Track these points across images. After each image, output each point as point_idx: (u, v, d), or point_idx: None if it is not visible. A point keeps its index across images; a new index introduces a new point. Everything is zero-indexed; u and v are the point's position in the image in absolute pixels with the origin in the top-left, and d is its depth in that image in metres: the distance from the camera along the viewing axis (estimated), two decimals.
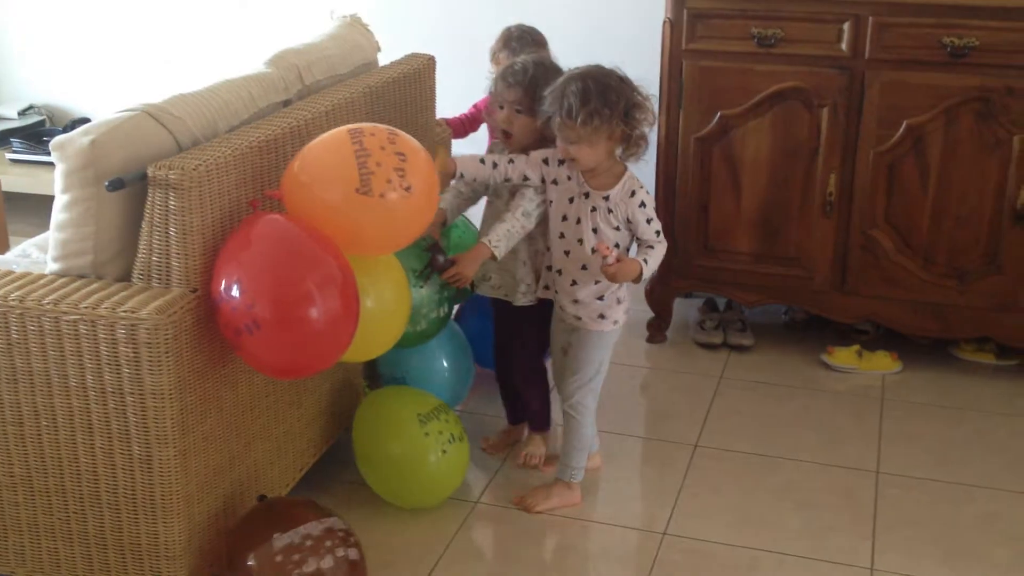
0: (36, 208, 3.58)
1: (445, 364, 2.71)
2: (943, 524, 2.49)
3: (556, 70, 2.44)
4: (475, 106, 3.27)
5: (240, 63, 2.40)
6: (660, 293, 3.32)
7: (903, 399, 3.06)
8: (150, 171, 1.92)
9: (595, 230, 2.35)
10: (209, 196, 1.96)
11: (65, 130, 2.85)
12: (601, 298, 2.40)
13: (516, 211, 2.40)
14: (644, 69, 2.85)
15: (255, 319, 1.86)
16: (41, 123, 4.50)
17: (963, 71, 2.93)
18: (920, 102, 2.98)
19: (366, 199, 1.95)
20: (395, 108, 2.66)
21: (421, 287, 2.41)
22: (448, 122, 3.18)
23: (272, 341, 1.89)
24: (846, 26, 2.99)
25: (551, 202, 2.40)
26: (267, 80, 2.35)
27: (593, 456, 2.65)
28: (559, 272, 2.42)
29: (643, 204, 2.34)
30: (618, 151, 2.34)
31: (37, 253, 2.52)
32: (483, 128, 3.24)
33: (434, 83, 2.91)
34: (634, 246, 2.43)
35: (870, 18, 2.96)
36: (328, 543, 2.02)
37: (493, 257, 2.38)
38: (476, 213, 2.67)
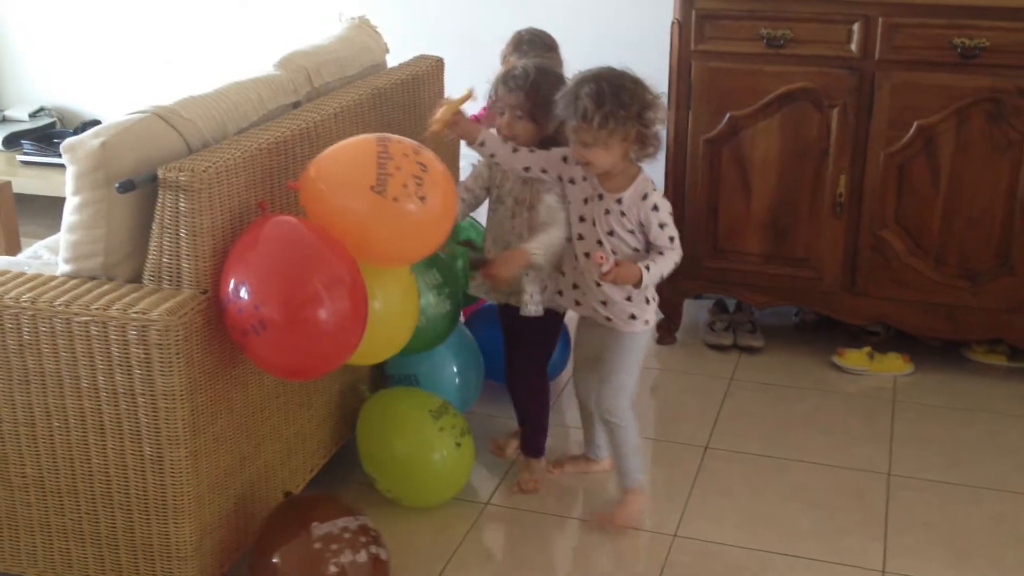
0: (47, 210, 3.59)
1: (456, 368, 2.70)
2: (954, 526, 2.48)
3: (557, 75, 2.43)
4: (483, 108, 3.27)
5: (242, 63, 2.41)
6: (670, 294, 3.31)
7: (914, 401, 3.05)
8: (160, 173, 1.93)
9: (611, 233, 2.32)
10: (219, 198, 1.97)
11: (76, 132, 2.85)
12: (629, 298, 2.35)
13: (558, 225, 2.35)
14: (652, 70, 2.85)
15: (261, 320, 1.86)
16: (52, 125, 4.51)
17: (974, 72, 2.92)
18: (931, 103, 2.97)
19: (379, 199, 1.95)
20: (404, 110, 2.66)
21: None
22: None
23: (279, 342, 1.90)
24: (856, 27, 2.98)
25: (569, 202, 2.38)
26: (276, 82, 2.36)
27: (603, 460, 2.65)
28: (583, 273, 2.38)
29: (656, 207, 2.29)
30: (632, 153, 2.31)
31: (48, 255, 2.53)
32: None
33: (443, 85, 2.92)
34: None
35: (880, 19, 2.96)
36: (363, 539, 2.06)
37: (531, 265, 2.32)
38: (479, 215, 2.67)
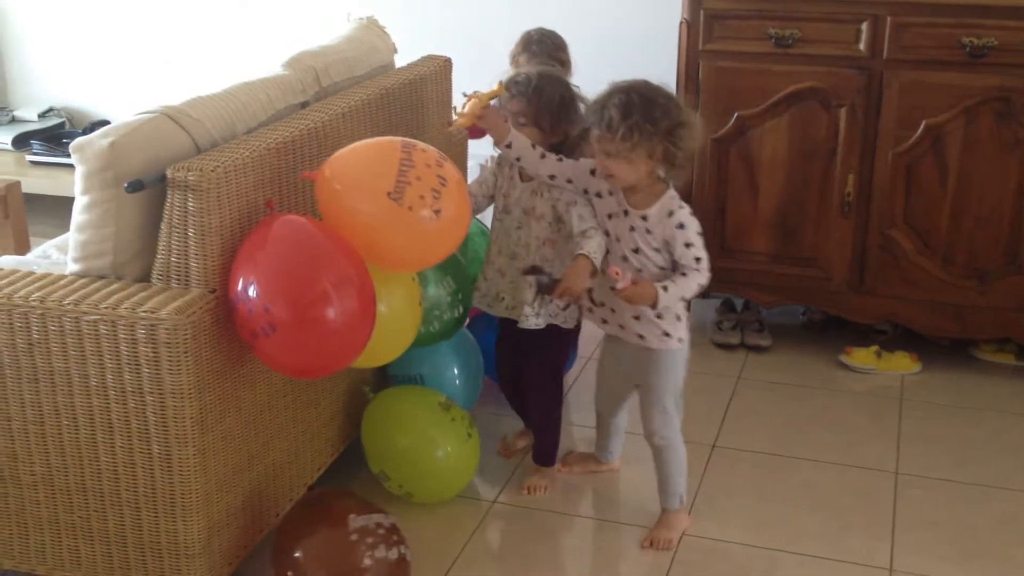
0: (56, 210, 3.61)
1: (458, 369, 2.69)
2: (962, 525, 2.47)
3: (562, 80, 2.39)
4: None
5: (245, 63, 2.42)
6: None
7: (922, 400, 3.05)
8: (169, 173, 1.94)
9: (636, 250, 2.24)
10: (227, 197, 1.97)
11: (85, 132, 2.86)
12: (660, 316, 2.26)
13: (598, 230, 2.27)
14: (661, 70, 2.85)
15: (271, 322, 1.87)
16: (61, 125, 4.54)
17: (982, 71, 2.92)
18: (939, 102, 2.96)
19: (394, 206, 1.96)
20: (412, 110, 2.67)
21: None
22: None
23: (288, 342, 1.90)
24: (864, 26, 2.98)
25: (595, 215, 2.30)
26: (284, 82, 2.36)
27: (613, 462, 2.64)
28: (612, 289, 2.23)
29: (682, 225, 2.20)
30: (660, 171, 2.21)
31: (57, 254, 2.54)
32: None
33: (451, 85, 2.92)
34: None
35: (888, 18, 2.95)
36: (395, 537, 2.09)
37: (594, 271, 2.24)
38: (485, 218, 2.66)
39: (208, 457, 1.99)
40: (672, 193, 2.24)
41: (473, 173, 3.95)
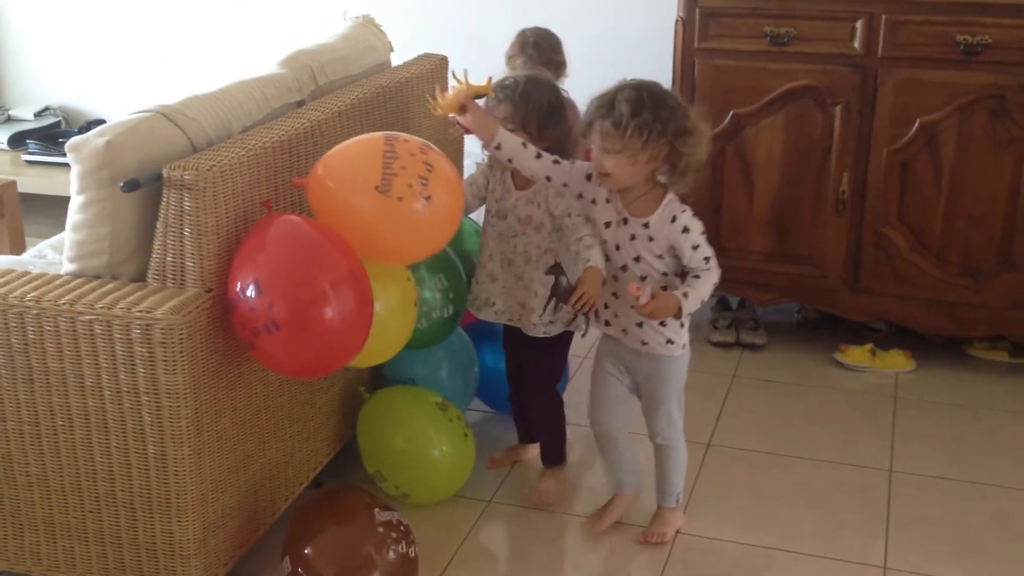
0: (52, 209, 3.60)
1: (453, 370, 2.68)
2: (956, 522, 2.48)
3: (549, 85, 2.36)
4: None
5: (243, 63, 2.41)
6: None
7: (916, 397, 3.06)
8: (165, 172, 1.94)
9: (637, 259, 2.19)
10: (223, 196, 1.97)
11: (80, 131, 2.86)
12: (664, 323, 2.21)
13: (596, 238, 2.21)
14: (656, 68, 2.85)
15: (274, 320, 1.87)
16: (56, 125, 4.53)
17: (977, 69, 2.92)
18: (933, 100, 2.97)
19: (383, 199, 1.96)
20: (408, 108, 2.67)
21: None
22: (459, 122, 3.17)
23: (289, 341, 1.90)
24: (859, 24, 2.98)
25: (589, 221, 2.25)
26: (281, 81, 2.36)
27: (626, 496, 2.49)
28: (614, 295, 2.24)
29: (687, 229, 2.15)
30: (662, 176, 2.16)
31: (53, 254, 2.53)
32: None
33: (447, 83, 2.92)
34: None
35: (883, 16, 2.96)
36: (411, 536, 2.12)
37: (604, 280, 2.17)
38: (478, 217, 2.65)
39: (203, 457, 1.99)
40: (671, 196, 2.18)
41: (469, 171, 3.93)
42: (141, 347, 1.88)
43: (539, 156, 2.22)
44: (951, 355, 3.26)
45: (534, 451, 2.68)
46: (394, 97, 2.59)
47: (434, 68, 2.84)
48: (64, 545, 2.07)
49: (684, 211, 2.17)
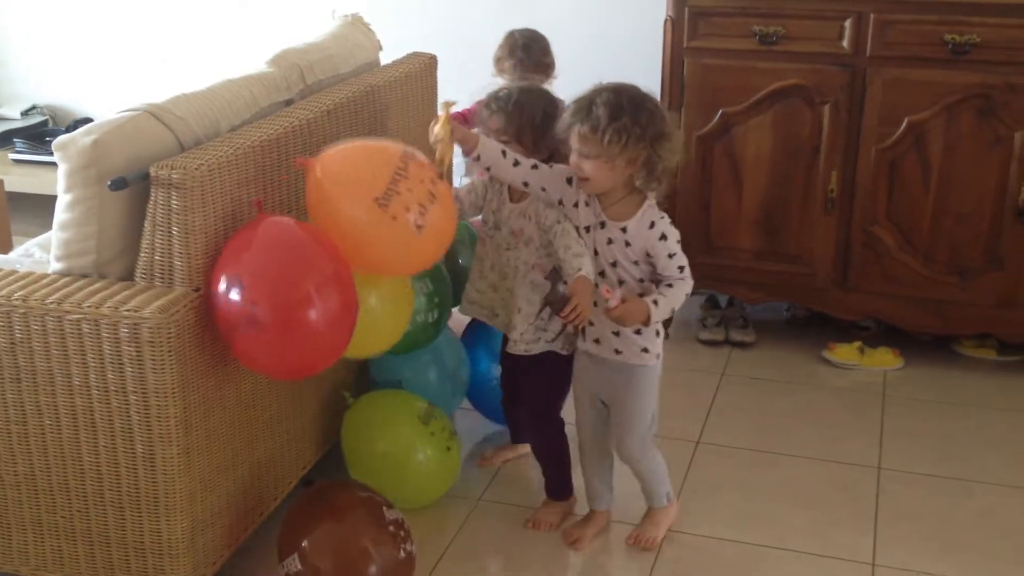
0: (39, 208, 3.59)
1: (441, 372, 2.64)
2: (944, 519, 2.49)
3: (544, 95, 2.32)
4: (477, 102, 3.27)
5: (241, 63, 2.40)
6: None
7: (904, 395, 3.07)
8: (152, 171, 1.93)
9: (614, 263, 2.17)
10: (211, 195, 1.97)
11: (67, 130, 2.85)
12: (639, 332, 2.19)
13: (587, 250, 2.16)
14: (645, 67, 2.86)
15: (253, 317, 1.86)
16: (44, 123, 4.51)
17: (964, 68, 2.93)
18: (921, 99, 2.98)
19: (379, 212, 1.95)
20: (397, 107, 2.67)
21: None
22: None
23: (269, 341, 1.90)
24: (848, 23, 2.99)
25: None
26: (269, 80, 2.36)
27: (609, 511, 2.46)
28: (593, 303, 2.16)
29: (664, 237, 2.13)
30: (639, 181, 2.14)
31: (40, 253, 2.53)
32: None
33: (436, 82, 2.92)
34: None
35: (872, 15, 2.97)
36: (410, 533, 2.15)
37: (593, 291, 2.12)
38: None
39: (192, 456, 1.98)
40: (651, 203, 2.17)
41: (458, 171, 3.94)
42: (129, 346, 1.87)
43: (516, 164, 2.19)
44: (939, 353, 3.27)
45: (524, 449, 2.68)
46: (383, 96, 2.59)
47: (423, 67, 2.84)
48: (52, 544, 2.07)
49: (662, 218, 2.16)
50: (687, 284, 2.16)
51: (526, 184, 2.22)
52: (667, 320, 2.27)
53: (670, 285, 2.15)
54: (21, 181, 4.03)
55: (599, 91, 2.10)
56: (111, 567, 2.04)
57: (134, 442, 1.94)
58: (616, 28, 3.79)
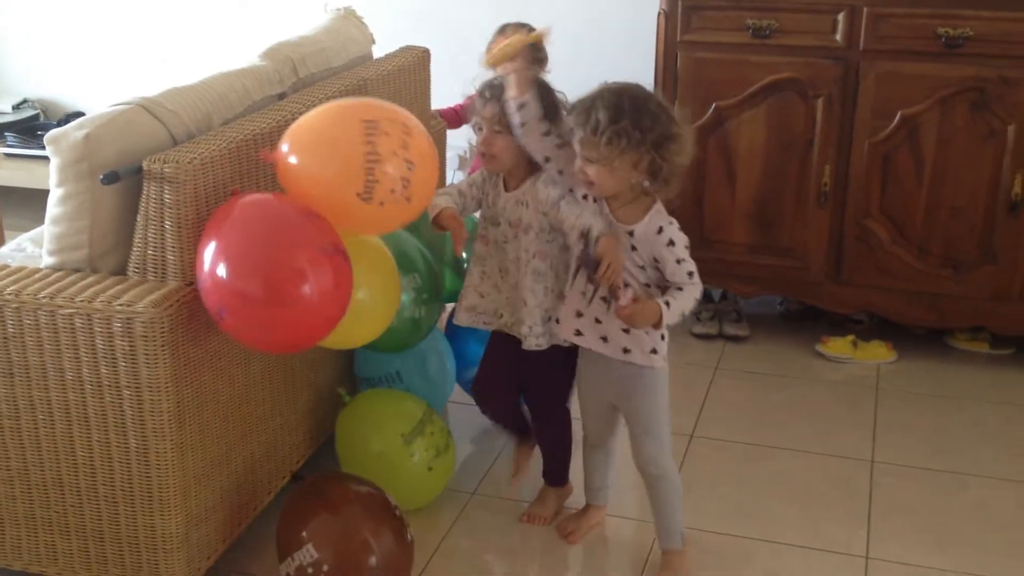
0: (31, 202, 3.58)
1: (432, 367, 2.63)
2: (937, 512, 2.50)
3: (543, 86, 2.22)
4: (469, 97, 3.26)
5: (231, 55, 2.39)
6: None
7: (898, 388, 3.07)
8: (145, 164, 1.92)
9: None
10: (204, 189, 1.96)
11: (59, 124, 2.84)
12: (647, 332, 2.14)
13: (596, 214, 2.13)
14: (639, 61, 2.85)
15: (239, 291, 1.83)
16: (35, 117, 4.49)
17: (958, 61, 2.94)
18: (915, 93, 2.98)
19: (365, 205, 1.92)
20: (390, 101, 2.65)
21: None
22: (441, 113, 3.16)
23: (254, 314, 1.85)
24: (841, 17, 2.99)
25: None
26: (262, 73, 2.35)
27: (606, 506, 2.46)
28: (603, 300, 2.13)
29: (672, 242, 2.08)
30: (645, 183, 2.08)
31: (32, 247, 2.52)
32: None
33: (429, 75, 2.92)
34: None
35: (865, 9, 2.97)
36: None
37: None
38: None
39: (186, 451, 1.98)
40: (659, 207, 2.12)
41: (452, 164, 3.92)
42: (122, 341, 1.87)
43: (547, 134, 2.13)
44: (932, 346, 3.28)
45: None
46: (376, 89, 2.58)
47: (416, 60, 2.83)
48: (46, 540, 2.06)
49: (671, 223, 2.11)
50: (696, 289, 2.10)
51: (547, 160, 2.16)
52: None
53: (680, 288, 2.08)
54: (12, 175, 4.03)
55: (600, 94, 2.04)
56: (105, 562, 2.04)
57: (127, 437, 1.93)
58: (609, 22, 3.78)
